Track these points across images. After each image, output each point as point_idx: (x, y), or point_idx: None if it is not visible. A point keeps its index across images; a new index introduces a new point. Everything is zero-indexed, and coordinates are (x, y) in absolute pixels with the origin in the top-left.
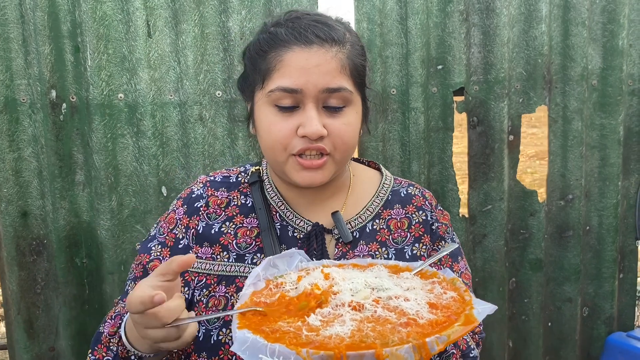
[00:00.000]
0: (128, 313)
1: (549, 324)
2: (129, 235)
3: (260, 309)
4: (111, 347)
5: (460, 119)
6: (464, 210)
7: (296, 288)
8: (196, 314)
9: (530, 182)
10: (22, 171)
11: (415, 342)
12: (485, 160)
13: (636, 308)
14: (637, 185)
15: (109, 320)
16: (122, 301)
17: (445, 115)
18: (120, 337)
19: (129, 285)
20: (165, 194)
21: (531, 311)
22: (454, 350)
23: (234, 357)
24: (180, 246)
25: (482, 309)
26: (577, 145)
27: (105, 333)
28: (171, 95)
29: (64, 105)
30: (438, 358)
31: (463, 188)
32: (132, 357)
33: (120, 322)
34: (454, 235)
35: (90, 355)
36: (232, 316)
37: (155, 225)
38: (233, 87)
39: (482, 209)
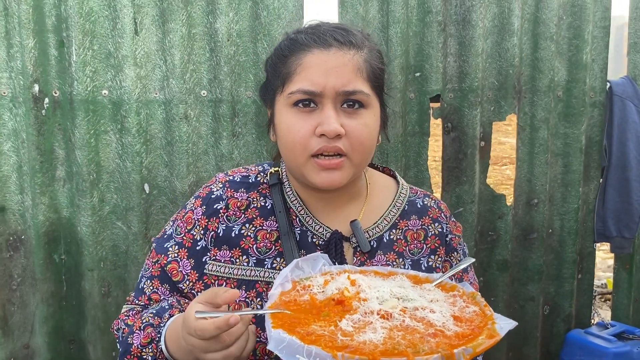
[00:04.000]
0: (166, 325)
1: None
2: (109, 232)
3: (289, 312)
4: (144, 357)
5: (435, 125)
6: None
7: (323, 292)
8: None
9: (499, 187)
10: (1, 166)
11: (444, 353)
12: (458, 165)
13: (593, 307)
14: (596, 191)
15: (138, 332)
16: (138, 299)
17: (421, 121)
18: (159, 349)
19: (143, 283)
20: (147, 191)
21: (497, 309)
22: None
23: None
24: (197, 248)
25: (504, 324)
26: (542, 153)
27: (136, 345)
28: (156, 93)
29: (47, 100)
30: None
31: (436, 191)
32: None
33: (153, 333)
34: (464, 246)
35: None
36: (264, 318)
37: (171, 224)
38: (218, 87)
39: (454, 211)
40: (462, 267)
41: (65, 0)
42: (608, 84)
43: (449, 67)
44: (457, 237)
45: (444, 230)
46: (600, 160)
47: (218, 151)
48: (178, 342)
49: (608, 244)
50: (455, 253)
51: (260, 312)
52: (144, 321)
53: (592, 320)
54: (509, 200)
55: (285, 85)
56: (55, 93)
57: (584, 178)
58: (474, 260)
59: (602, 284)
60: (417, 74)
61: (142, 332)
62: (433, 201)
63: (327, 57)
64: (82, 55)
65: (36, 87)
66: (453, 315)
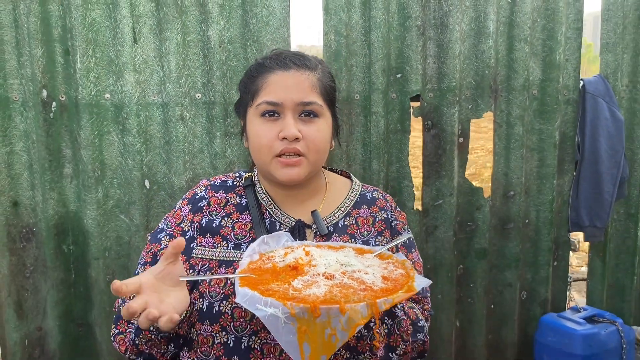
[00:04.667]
0: None
1: (492, 306)
2: (113, 224)
3: (254, 276)
4: (132, 322)
5: (416, 123)
6: (418, 205)
7: (283, 261)
8: (201, 291)
9: (477, 180)
10: (13, 164)
11: (368, 302)
12: (437, 160)
13: (568, 292)
14: (570, 183)
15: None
16: None
17: (403, 119)
18: None
19: (139, 269)
20: (148, 187)
21: (476, 295)
22: (404, 317)
23: (231, 325)
24: (186, 237)
25: (420, 281)
26: (518, 148)
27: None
28: (154, 97)
29: (54, 103)
30: (391, 321)
31: (417, 184)
32: (151, 328)
33: None
34: (409, 230)
35: (114, 328)
36: (232, 283)
37: (163, 220)
38: (212, 90)
39: (434, 204)
40: (399, 241)
41: (69, 12)
42: (581, 82)
43: (428, 68)
44: (401, 223)
45: (389, 217)
46: (573, 155)
47: (212, 150)
48: None
49: (582, 233)
50: (400, 235)
51: (231, 276)
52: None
53: (567, 305)
54: (487, 193)
55: (254, 99)
56: (62, 97)
57: (558, 171)
58: (410, 235)
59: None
60: (398, 75)
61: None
62: (380, 194)
63: (287, 76)
64: (86, 62)
65: (44, 93)
66: (383, 276)
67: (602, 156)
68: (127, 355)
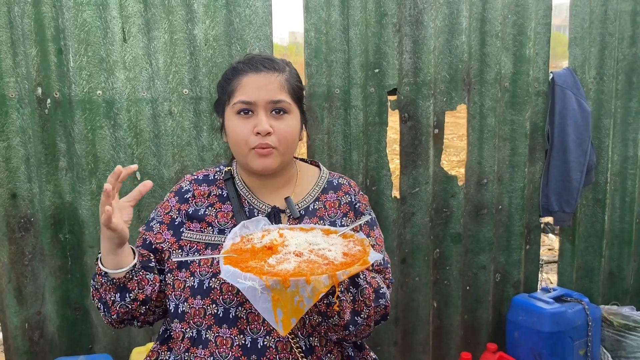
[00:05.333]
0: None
1: (467, 287)
2: None
3: (235, 255)
4: (95, 274)
5: (393, 115)
6: (396, 193)
7: (261, 242)
8: (192, 270)
9: (452, 169)
10: (11, 158)
11: (330, 273)
12: (414, 150)
13: (539, 274)
14: (540, 171)
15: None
16: None
17: (380, 112)
18: (96, 260)
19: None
20: (139, 179)
21: (452, 277)
22: (366, 286)
23: (220, 298)
24: (176, 223)
25: (374, 256)
26: (491, 138)
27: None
28: (144, 93)
29: (49, 100)
30: (355, 290)
31: (395, 173)
32: (102, 273)
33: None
34: (371, 211)
35: (91, 281)
36: (219, 260)
37: (154, 211)
38: (198, 86)
39: (411, 191)
40: (361, 222)
41: (62, 13)
42: (551, 75)
43: (404, 63)
44: (363, 205)
45: (353, 200)
46: (543, 144)
47: (200, 142)
48: (103, 248)
49: (552, 217)
50: (363, 216)
51: (216, 256)
52: None
53: (539, 286)
54: (461, 181)
55: (230, 99)
56: (56, 94)
57: (529, 160)
58: (369, 217)
59: None
60: (376, 70)
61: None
62: (345, 180)
63: (258, 78)
64: (78, 61)
65: (39, 90)
66: (344, 253)
67: (570, 145)
68: (94, 302)
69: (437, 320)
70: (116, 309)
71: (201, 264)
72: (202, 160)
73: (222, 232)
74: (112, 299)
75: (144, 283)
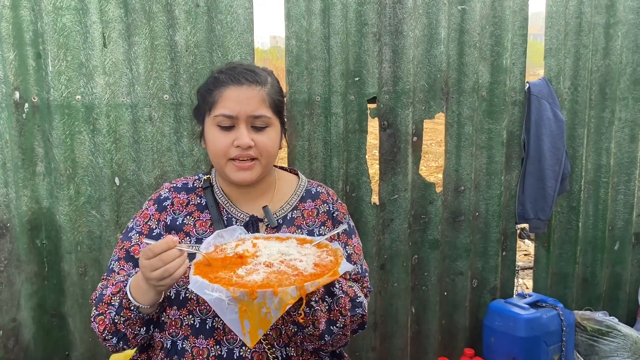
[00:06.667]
0: (132, 277)
1: (445, 293)
2: (84, 219)
3: (206, 256)
4: (113, 303)
5: (373, 123)
6: (375, 199)
7: (234, 252)
8: None
9: (430, 176)
10: None
11: (297, 285)
12: (393, 157)
13: (515, 280)
14: (517, 179)
15: (110, 287)
16: (110, 276)
17: (360, 120)
18: (124, 293)
19: (113, 264)
20: (118, 184)
21: (430, 283)
22: (342, 295)
23: (197, 308)
24: (154, 234)
25: (344, 266)
26: (468, 146)
27: (107, 294)
28: (124, 98)
29: (27, 105)
30: (330, 299)
31: (375, 180)
32: (132, 307)
33: (122, 284)
34: (349, 219)
35: (94, 310)
36: (189, 270)
37: (132, 220)
38: (179, 92)
39: (390, 198)
40: (337, 231)
41: (41, 17)
42: (527, 85)
43: (384, 72)
44: (341, 213)
45: (331, 209)
46: (520, 152)
47: (180, 148)
48: (137, 285)
49: (527, 224)
50: (341, 224)
51: (192, 251)
52: (116, 279)
53: (515, 292)
54: (439, 188)
55: (211, 110)
56: (34, 99)
57: (506, 168)
58: (346, 226)
59: None
60: (356, 79)
61: (113, 286)
62: (323, 189)
63: (240, 91)
64: (57, 65)
65: (17, 94)
66: (315, 263)
67: (546, 154)
68: (103, 335)
69: (416, 325)
70: (137, 341)
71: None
72: (182, 166)
73: (199, 241)
74: (134, 332)
75: (158, 310)
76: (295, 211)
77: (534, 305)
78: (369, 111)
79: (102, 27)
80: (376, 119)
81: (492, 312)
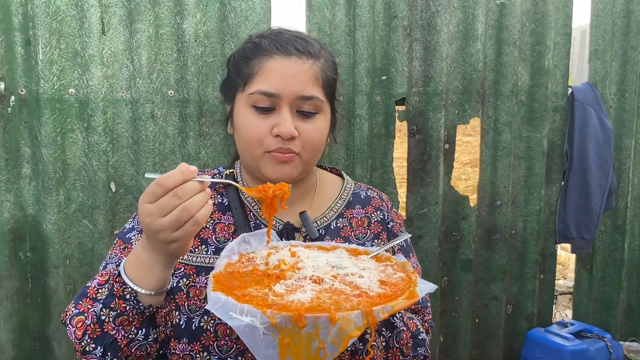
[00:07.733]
0: (126, 258)
1: (477, 320)
2: (75, 229)
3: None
4: (99, 298)
5: (401, 127)
6: (402, 213)
7: (266, 262)
8: (178, 303)
9: (463, 188)
10: None
11: (363, 309)
12: (422, 166)
13: (554, 306)
14: (557, 193)
15: (96, 278)
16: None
17: (387, 123)
18: (116, 276)
19: (107, 262)
20: (114, 190)
21: (461, 308)
22: (404, 328)
23: (215, 343)
24: None
25: (424, 287)
26: (505, 156)
27: (92, 286)
28: (123, 93)
29: (13, 97)
30: (390, 334)
31: (402, 191)
32: (127, 295)
33: (113, 269)
34: (405, 233)
35: (72, 308)
36: (207, 284)
37: (131, 219)
38: (185, 87)
39: (418, 212)
40: (397, 241)
41: None
42: (570, 90)
43: (414, 70)
44: (398, 225)
45: (386, 218)
46: (561, 164)
47: (185, 151)
48: (136, 258)
49: (569, 244)
50: (402, 233)
51: (220, 181)
52: (105, 268)
53: (554, 319)
54: (473, 202)
55: (246, 85)
56: (22, 91)
57: (546, 181)
58: (409, 235)
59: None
60: (383, 77)
61: (101, 276)
62: (375, 193)
63: (287, 63)
64: (49, 54)
65: (2, 85)
66: (380, 280)
67: (591, 166)
68: (82, 345)
69: (443, 355)
70: (131, 352)
71: (190, 295)
72: None
73: (218, 251)
74: (128, 336)
75: (168, 318)
76: (340, 219)
77: (577, 335)
78: (396, 114)
79: (100, 12)
80: (404, 122)
81: (532, 342)
